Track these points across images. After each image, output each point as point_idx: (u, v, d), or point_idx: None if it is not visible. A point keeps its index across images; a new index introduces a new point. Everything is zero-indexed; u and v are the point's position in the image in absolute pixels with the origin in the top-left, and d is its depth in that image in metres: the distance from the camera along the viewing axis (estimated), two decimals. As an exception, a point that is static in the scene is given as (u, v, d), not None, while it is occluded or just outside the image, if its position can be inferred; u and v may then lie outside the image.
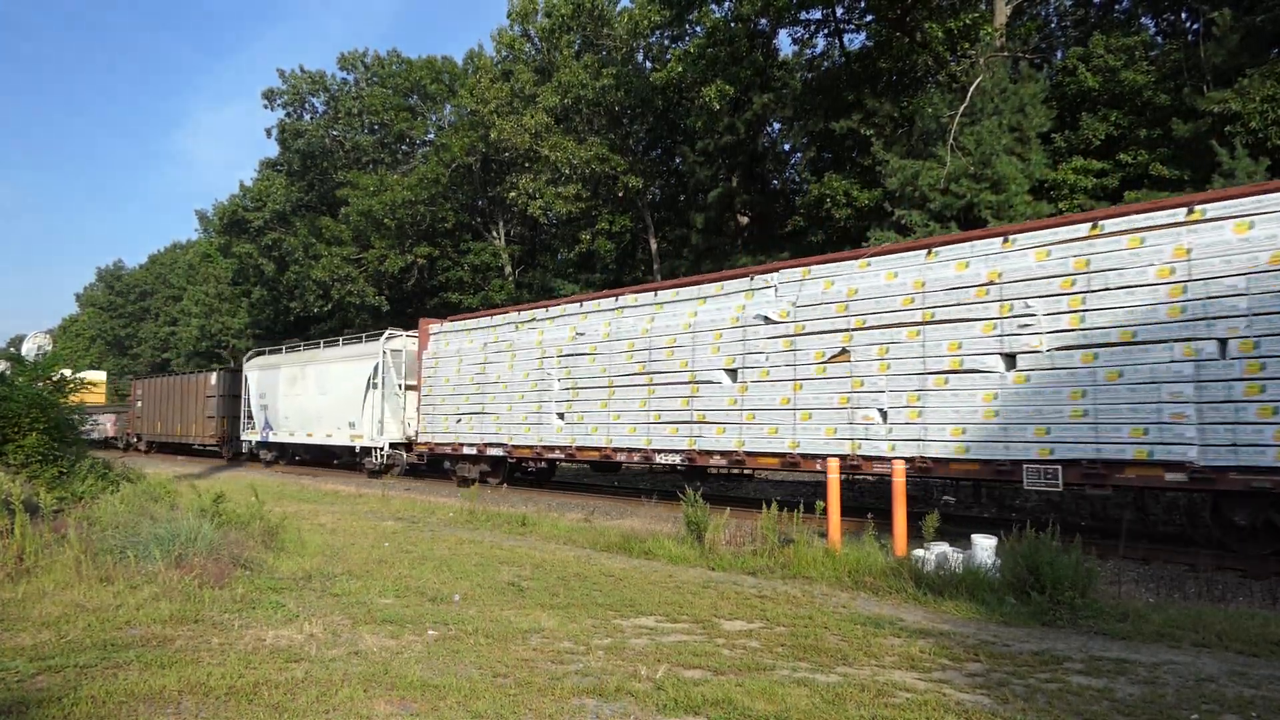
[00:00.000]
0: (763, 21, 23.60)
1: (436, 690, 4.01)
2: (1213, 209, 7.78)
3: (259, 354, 25.82)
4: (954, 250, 9.56)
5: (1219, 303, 7.45)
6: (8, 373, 11.44)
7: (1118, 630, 5.45)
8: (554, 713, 3.76)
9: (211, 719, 3.65)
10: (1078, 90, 18.39)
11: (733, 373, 11.45)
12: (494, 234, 34.61)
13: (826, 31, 25.29)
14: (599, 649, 4.86)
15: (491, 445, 15.51)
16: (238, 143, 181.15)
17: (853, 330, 10.09)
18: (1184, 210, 7.96)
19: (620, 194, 27.42)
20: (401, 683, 4.11)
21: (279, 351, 24.97)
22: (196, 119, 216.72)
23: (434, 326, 18.14)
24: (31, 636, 4.82)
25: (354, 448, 20.29)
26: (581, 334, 13.89)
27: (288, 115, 38.05)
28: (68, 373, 12.19)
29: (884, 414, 9.69)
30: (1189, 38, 18.60)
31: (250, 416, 25.07)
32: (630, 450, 12.87)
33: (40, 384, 11.28)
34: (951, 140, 16.97)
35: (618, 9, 28.02)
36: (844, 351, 10.09)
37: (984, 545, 6.91)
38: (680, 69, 23.46)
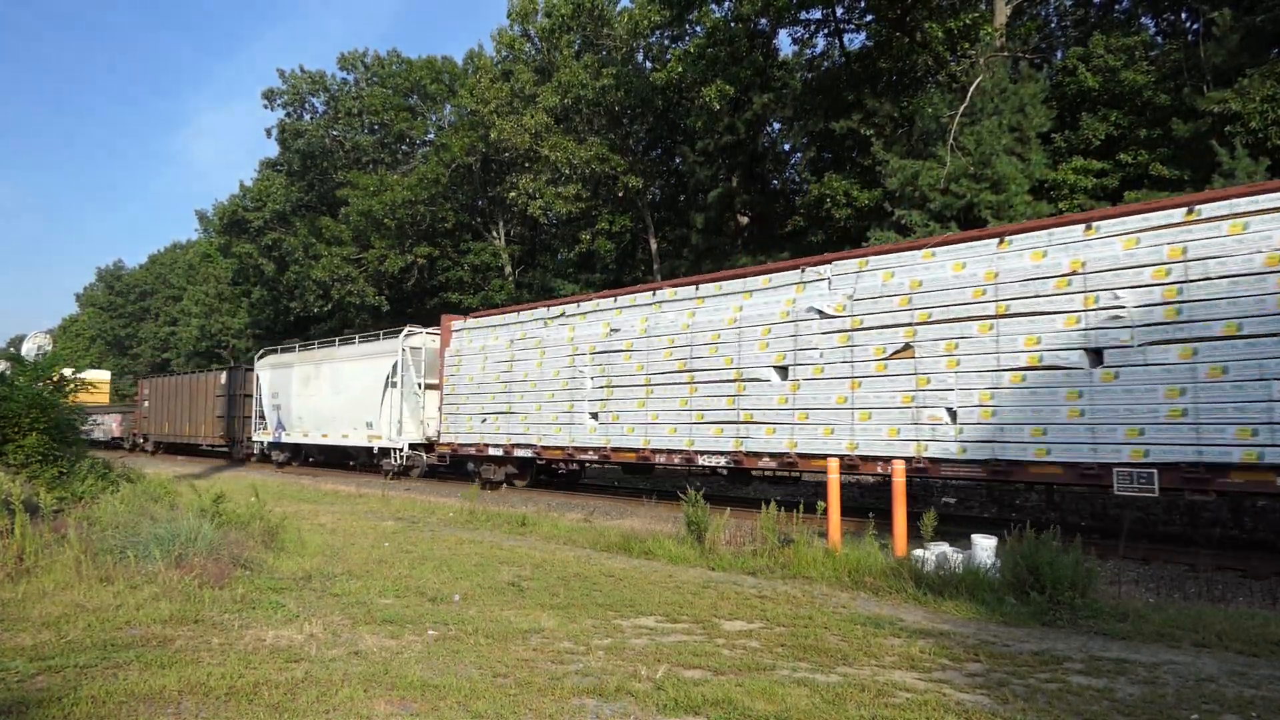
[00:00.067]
0: (763, 21, 23.61)
1: (436, 690, 4.01)
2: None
3: (270, 352, 25.16)
4: (1029, 239, 8.95)
5: None
6: (8, 373, 11.43)
7: (1118, 630, 5.45)
8: (554, 713, 3.76)
9: (211, 719, 3.65)
10: (1078, 90, 18.39)
11: (783, 370, 10.87)
12: (494, 234, 34.62)
13: (826, 31, 25.33)
14: (599, 649, 4.86)
15: (519, 446, 14.99)
16: (238, 143, 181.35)
17: (917, 325, 9.50)
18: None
19: (620, 194, 27.42)
20: (401, 683, 4.11)
21: (292, 350, 24.31)
22: (196, 119, 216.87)
23: (456, 323, 17.58)
24: (31, 636, 4.81)
25: (372, 449, 19.72)
26: (616, 330, 13.32)
27: (288, 115, 38.10)
28: (68, 372, 12.13)
29: (953, 413, 9.11)
30: (1189, 38, 18.60)
31: (262, 417, 24.51)
32: (670, 452, 12.26)
33: (40, 384, 11.27)
34: (951, 140, 16.98)
35: (618, 9, 28.03)
36: (907, 347, 9.53)
37: (984, 545, 6.91)
38: (680, 69, 23.47)
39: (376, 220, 32.16)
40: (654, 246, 28.38)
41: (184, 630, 5.03)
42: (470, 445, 16.21)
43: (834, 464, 8.63)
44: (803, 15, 23.84)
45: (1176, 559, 8.27)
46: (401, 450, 18.54)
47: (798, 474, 11.84)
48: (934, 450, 9.23)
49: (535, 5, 29.42)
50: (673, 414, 12.20)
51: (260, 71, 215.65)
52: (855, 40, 24.57)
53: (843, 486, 16.24)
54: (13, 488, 8.12)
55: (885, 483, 13.92)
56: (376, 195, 32.12)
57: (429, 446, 18.27)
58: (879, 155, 18.40)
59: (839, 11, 23.75)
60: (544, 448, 14.50)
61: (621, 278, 28.58)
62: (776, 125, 28.14)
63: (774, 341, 10.99)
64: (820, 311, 10.50)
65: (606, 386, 13.28)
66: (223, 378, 27.50)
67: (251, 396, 25.31)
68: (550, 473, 17.41)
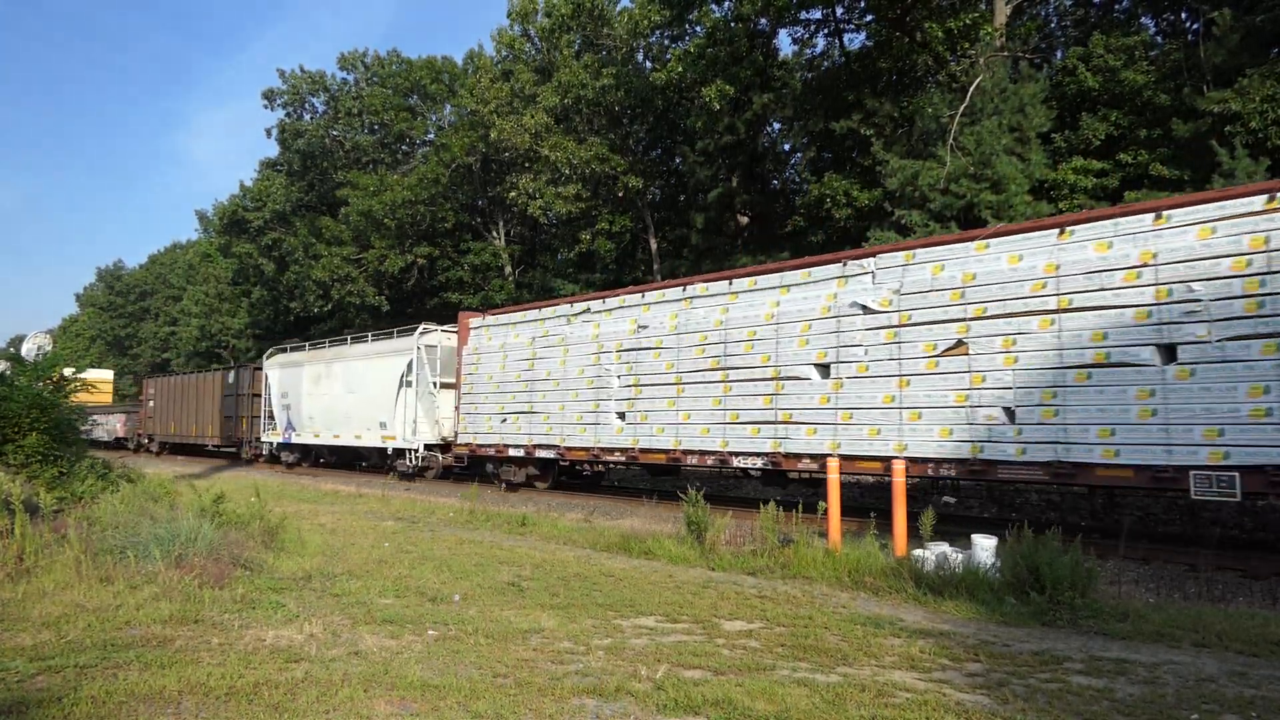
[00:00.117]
0: (763, 21, 23.60)
1: (436, 690, 4.01)
2: None
3: (280, 351, 24.81)
4: (1092, 229, 8.49)
5: None
6: (8, 373, 11.43)
7: (1118, 630, 5.45)
8: (554, 713, 3.76)
9: (211, 719, 3.65)
10: (1078, 90, 18.39)
11: (824, 368, 10.45)
12: (494, 234, 34.64)
13: (826, 31, 25.32)
14: (599, 649, 4.86)
15: (541, 446, 14.60)
16: (238, 143, 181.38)
17: (970, 320, 9.07)
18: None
19: (620, 194, 27.43)
20: (401, 683, 4.11)
21: (302, 348, 23.97)
22: (196, 119, 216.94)
23: (475, 320, 17.14)
24: (31, 636, 4.82)
25: (385, 449, 19.27)
26: (644, 326, 12.93)
27: (288, 115, 38.11)
28: (69, 372, 12.11)
29: (1010, 413, 8.69)
30: (1189, 38, 18.60)
31: (271, 417, 23.99)
32: (703, 453, 11.78)
33: (41, 384, 11.27)
34: (951, 140, 16.98)
35: (618, 9, 28.03)
36: (960, 343, 9.11)
37: (984, 545, 6.91)
38: (680, 69, 23.46)
39: (376, 220, 32.16)
40: (654, 246, 28.38)
41: (184, 630, 5.04)
42: (490, 446, 15.84)
43: (833, 464, 8.63)
44: (803, 15, 23.84)
45: (1176, 559, 8.26)
46: (417, 451, 18.14)
47: (851, 476, 11.13)
48: (990, 452, 8.79)
49: (535, 5, 29.42)
50: (706, 413, 11.78)
51: (260, 71, 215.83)
52: (855, 40, 24.61)
53: (842, 486, 16.31)
54: (13, 488, 8.13)
55: (931, 482, 13.53)
56: (376, 195, 32.12)
57: (444, 447, 17.91)
58: (879, 155, 18.41)
59: (839, 11, 23.76)
60: (568, 448, 14.14)
61: (621, 278, 28.59)
62: (776, 125, 28.14)
63: (814, 338, 10.57)
64: (865, 306, 10.10)
65: (634, 385, 12.91)
66: (230, 377, 26.96)
67: (260, 396, 24.89)
68: (573, 474, 17.14)
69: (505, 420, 15.46)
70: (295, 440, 22.90)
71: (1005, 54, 18.61)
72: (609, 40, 27.81)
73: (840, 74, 23.49)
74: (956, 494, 14.36)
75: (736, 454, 11.35)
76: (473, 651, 4.74)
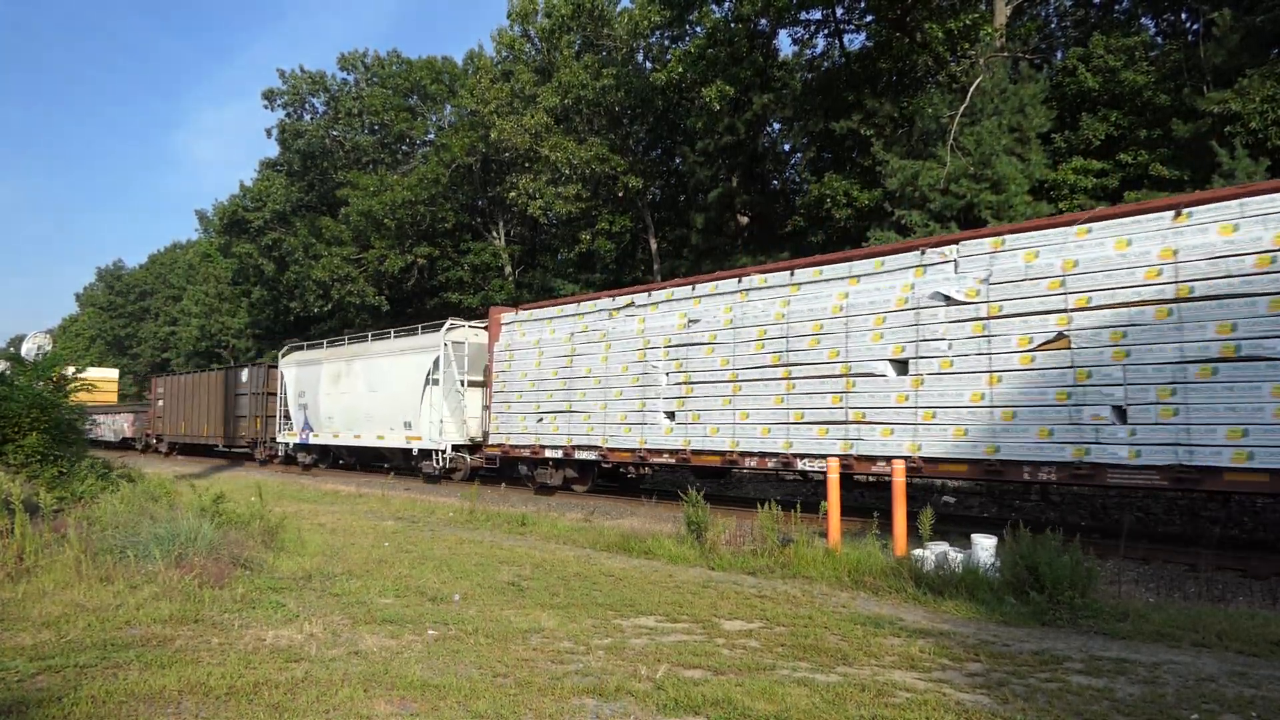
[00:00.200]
0: (763, 22, 23.60)
1: (436, 690, 4.01)
2: None
3: (296, 348, 24.08)
4: (1213, 211, 7.75)
5: None
6: (8, 373, 11.42)
7: (1118, 630, 5.45)
8: (554, 713, 3.76)
9: (211, 719, 3.65)
10: (1078, 90, 18.39)
11: (901, 364, 9.72)
12: (494, 234, 34.65)
13: (826, 32, 25.33)
14: (599, 649, 4.86)
15: (581, 448, 13.90)
16: (238, 143, 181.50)
17: (1072, 311, 8.38)
18: None
19: (620, 194, 27.43)
20: (401, 683, 4.11)
21: (319, 346, 23.18)
22: (196, 119, 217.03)
23: (507, 315, 16.31)
24: (31, 636, 4.82)
25: (410, 450, 18.45)
26: (695, 321, 12.23)
27: (288, 115, 38.12)
28: (70, 371, 12.09)
29: (1121, 412, 8.00)
30: (1189, 38, 18.61)
31: (287, 417, 23.14)
32: (763, 455, 11.01)
33: (41, 384, 11.27)
34: (951, 140, 16.98)
35: (618, 9, 28.04)
36: (1060, 337, 8.43)
37: (984, 545, 6.91)
38: (680, 69, 23.46)
39: (376, 220, 32.16)
40: (654, 246, 28.39)
41: (184, 630, 5.04)
42: (524, 446, 15.10)
43: (833, 463, 8.61)
44: (803, 15, 23.85)
45: (1176, 559, 8.26)
46: (444, 452, 17.35)
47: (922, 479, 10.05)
48: (1097, 454, 8.09)
49: (535, 5, 29.43)
50: (765, 413, 11.03)
51: (260, 71, 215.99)
52: (855, 40, 24.61)
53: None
54: (13, 488, 8.12)
55: (1027, 488, 12.98)
56: (376, 195, 32.13)
57: (472, 447, 17.28)
58: (879, 155, 18.40)
59: (839, 12, 23.76)
60: (610, 450, 13.40)
61: (621, 278, 28.60)
62: (776, 125, 28.14)
63: (889, 332, 9.85)
64: (948, 297, 9.37)
65: (684, 383, 12.21)
66: (244, 375, 26.03)
67: (275, 395, 24.05)
68: (615, 476, 16.56)
69: (541, 420, 14.76)
70: (313, 441, 22.14)
71: (1005, 54, 18.61)
72: (609, 41, 27.82)
73: (840, 74, 23.49)
74: (956, 494, 14.36)
75: (801, 455, 10.63)
76: (473, 651, 4.74)
